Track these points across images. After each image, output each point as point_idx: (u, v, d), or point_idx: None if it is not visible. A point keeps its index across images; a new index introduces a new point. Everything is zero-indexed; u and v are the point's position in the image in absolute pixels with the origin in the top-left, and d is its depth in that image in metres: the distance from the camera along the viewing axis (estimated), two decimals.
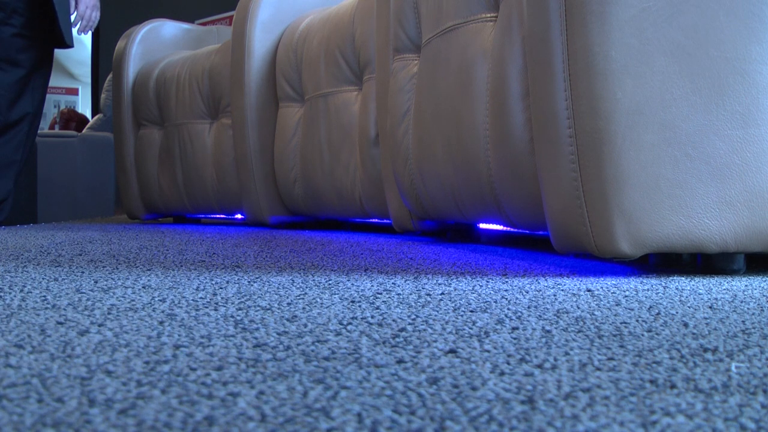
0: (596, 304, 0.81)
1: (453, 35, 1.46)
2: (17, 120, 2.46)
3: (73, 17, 2.57)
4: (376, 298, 0.85)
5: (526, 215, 1.30)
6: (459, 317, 0.72)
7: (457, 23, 1.45)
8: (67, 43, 2.47)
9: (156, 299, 0.84)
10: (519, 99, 1.24)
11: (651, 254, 1.13)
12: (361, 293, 0.89)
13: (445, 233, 1.89)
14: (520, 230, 1.47)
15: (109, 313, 0.74)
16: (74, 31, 2.58)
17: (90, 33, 2.71)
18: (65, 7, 2.46)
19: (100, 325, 0.67)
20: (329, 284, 0.97)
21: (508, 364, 0.53)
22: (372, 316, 0.73)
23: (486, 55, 1.36)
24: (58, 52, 2.58)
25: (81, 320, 0.70)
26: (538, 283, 0.99)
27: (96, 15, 2.65)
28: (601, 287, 0.95)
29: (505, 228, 1.63)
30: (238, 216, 2.80)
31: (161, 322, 0.69)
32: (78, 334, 0.63)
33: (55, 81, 9.11)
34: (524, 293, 0.89)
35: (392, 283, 0.98)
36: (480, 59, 1.37)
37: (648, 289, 0.93)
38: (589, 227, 1.04)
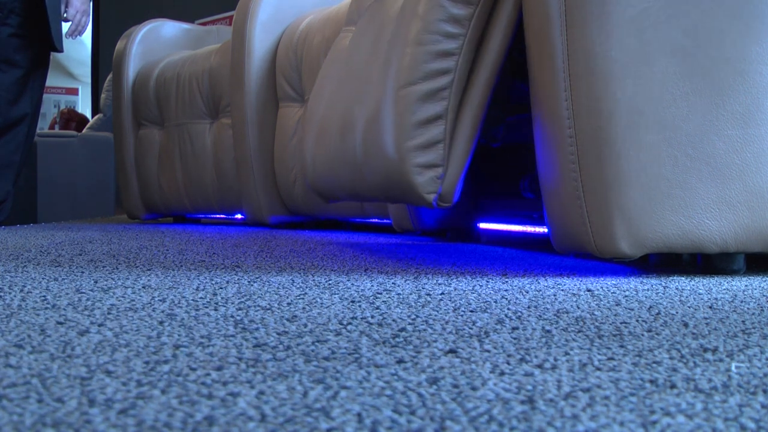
0: (596, 304, 0.81)
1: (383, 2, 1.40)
2: (17, 121, 2.46)
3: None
4: (376, 298, 0.85)
5: (380, 179, 1.25)
6: (459, 317, 0.72)
7: None
8: (56, 47, 2.47)
9: (156, 299, 0.84)
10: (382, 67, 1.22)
11: (651, 254, 1.13)
12: (361, 293, 0.89)
13: (445, 233, 1.89)
14: (372, 199, 1.38)
15: (109, 313, 0.74)
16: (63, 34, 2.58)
17: (79, 37, 2.70)
18: (56, 10, 2.46)
19: (100, 325, 0.67)
20: (329, 284, 0.97)
21: (508, 364, 0.53)
22: (372, 316, 0.73)
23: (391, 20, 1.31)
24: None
25: (81, 320, 0.70)
26: (538, 283, 0.99)
27: (86, 20, 2.65)
28: (601, 287, 0.95)
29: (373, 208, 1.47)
30: (238, 216, 2.80)
31: (161, 322, 0.69)
32: (78, 334, 0.63)
33: (55, 81, 9.10)
34: (524, 293, 0.89)
35: (392, 283, 0.98)
36: (392, 21, 1.31)
37: (648, 289, 0.93)
38: (589, 227, 1.04)
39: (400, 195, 1.24)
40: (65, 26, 2.59)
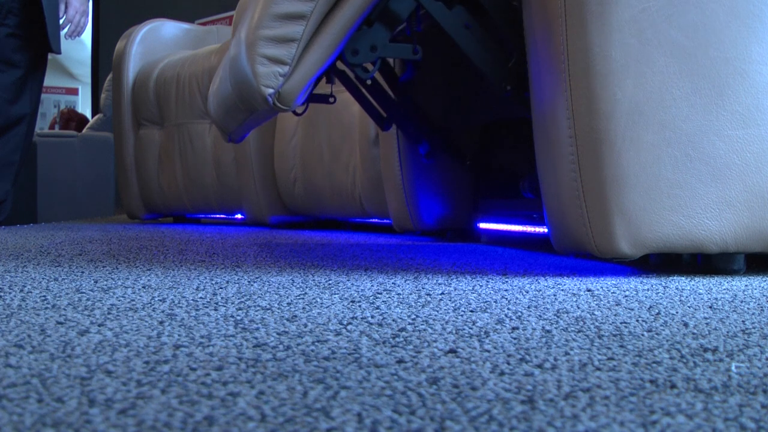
0: (596, 304, 0.81)
1: None
2: (16, 120, 2.46)
3: (62, 21, 2.56)
4: (376, 298, 0.85)
5: (234, 71, 1.22)
6: (459, 317, 0.72)
7: None
8: (53, 49, 2.47)
9: (156, 299, 0.84)
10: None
11: (651, 254, 1.13)
12: (361, 293, 0.89)
13: (445, 233, 1.89)
14: (244, 123, 1.32)
15: (109, 313, 0.74)
16: (62, 35, 2.57)
17: (78, 37, 2.70)
18: (54, 12, 2.46)
19: (100, 325, 0.67)
20: (329, 284, 0.97)
21: (508, 364, 0.53)
22: (372, 316, 0.73)
23: None
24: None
25: (81, 320, 0.70)
26: (538, 283, 0.99)
27: (84, 21, 2.64)
28: (601, 287, 0.95)
29: None
30: (238, 216, 2.80)
31: (161, 322, 0.69)
32: (78, 334, 0.63)
33: (55, 81, 9.08)
34: (524, 293, 0.89)
35: (392, 283, 0.98)
36: None
37: (648, 289, 0.93)
38: (589, 227, 1.04)
39: (242, 87, 1.20)
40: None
